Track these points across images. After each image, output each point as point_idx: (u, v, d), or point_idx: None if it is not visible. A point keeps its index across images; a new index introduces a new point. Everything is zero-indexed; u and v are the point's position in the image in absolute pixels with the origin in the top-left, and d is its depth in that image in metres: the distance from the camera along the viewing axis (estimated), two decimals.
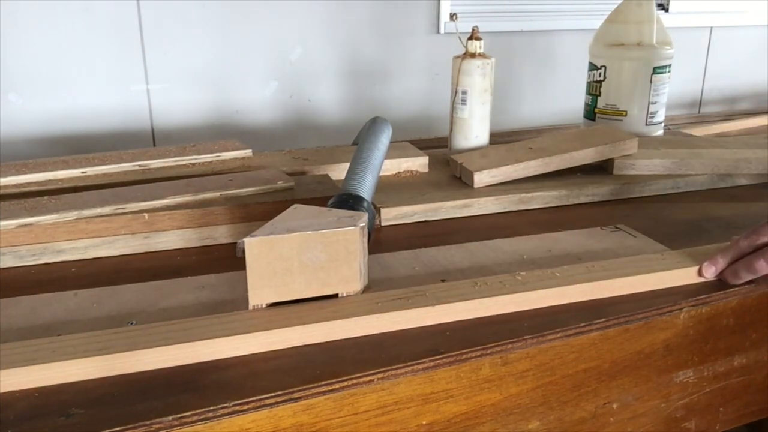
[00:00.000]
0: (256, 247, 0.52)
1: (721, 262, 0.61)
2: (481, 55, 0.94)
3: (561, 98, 1.70)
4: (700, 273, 0.61)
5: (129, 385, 0.45)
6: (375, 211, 0.74)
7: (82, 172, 0.84)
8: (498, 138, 1.06)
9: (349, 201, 0.65)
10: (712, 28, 1.86)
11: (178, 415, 0.42)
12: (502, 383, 0.51)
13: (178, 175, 0.84)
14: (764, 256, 0.58)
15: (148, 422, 0.41)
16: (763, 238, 0.59)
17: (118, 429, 0.41)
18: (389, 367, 0.47)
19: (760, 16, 1.88)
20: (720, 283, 0.61)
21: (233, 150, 0.93)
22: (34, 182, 0.82)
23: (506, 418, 0.52)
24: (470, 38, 0.94)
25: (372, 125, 0.84)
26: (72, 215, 0.68)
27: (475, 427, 0.51)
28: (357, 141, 0.96)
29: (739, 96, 1.95)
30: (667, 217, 0.80)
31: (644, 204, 0.86)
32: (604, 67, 1.11)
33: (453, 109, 0.97)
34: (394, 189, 0.85)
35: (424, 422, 0.49)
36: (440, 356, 0.49)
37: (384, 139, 0.81)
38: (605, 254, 0.66)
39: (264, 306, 0.54)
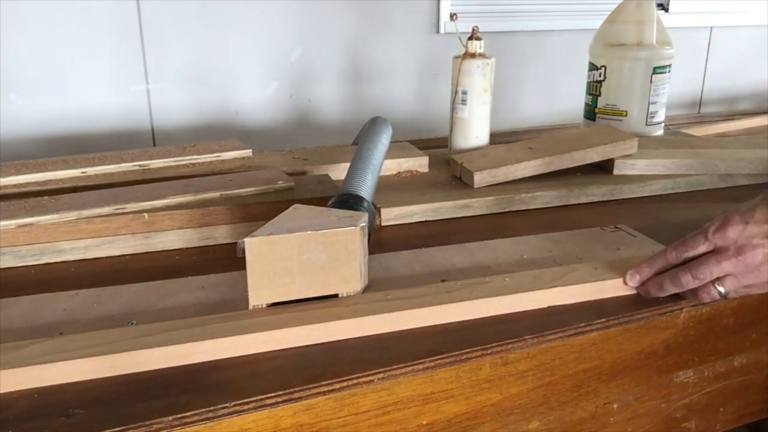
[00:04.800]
0: (256, 247, 0.52)
1: (647, 272, 0.57)
2: (481, 55, 0.94)
3: (561, 98, 1.70)
4: (624, 281, 0.58)
5: (129, 385, 0.45)
6: (375, 211, 0.74)
7: (82, 172, 0.84)
8: (498, 138, 1.06)
9: (349, 201, 0.65)
10: (712, 28, 1.86)
11: (178, 415, 0.42)
12: (502, 383, 0.51)
13: (178, 175, 0.84)
14: (690, 270, 0.55)
15: (148, 422, 0.41)
16: (690, 251, 0.56)
17: (118, 429, 0.41)
18: (389, 367, 0.47)
19: (760, 16, 1.88)
20: None
21: (233, 150, 0.93)
22: (34, 182, 0.82)
23: (506, 418, 0.52)
24: (470, 38, 0.94)
25: (372, 125, 0.84)
26: (72, 215, 0.68)
27: (475, 427, 0.51)
28: (357, 141, 0.96)
29: (739, 96, 1.95)
30: (667, 217, 0.80)
31: (644, 204, 0.86)
32: (604, 67, 1.11)
33: (453, 109, 0.97)
34: (394, 189, 0.85)
35: (424, 422, 0.49)
36: (440, 356, 0.49)
37: (384, 139, 0.81)
38: (605, 254, 0.66)
39: (264, 306, 0.53)
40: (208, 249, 0.71)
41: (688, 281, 0.55)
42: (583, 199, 0.86)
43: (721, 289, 0.54)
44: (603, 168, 0.93)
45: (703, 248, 0.55)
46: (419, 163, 0.95)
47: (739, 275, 0.54)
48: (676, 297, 0.57)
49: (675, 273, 0.55)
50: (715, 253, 0.54)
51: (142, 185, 0.78)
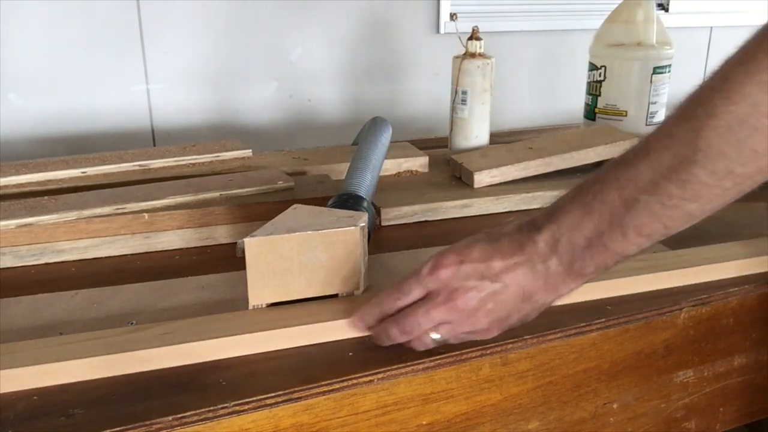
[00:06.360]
0: (256, 247, 0.52)
1: (369, 319, 0.50)
2: (481, 55, 0.94)
3: (561, 98, 1.70)
4: (351, 325, 0.51)
5: (129, 385, 0.45)
6: (375, 211, 0.74)
7: (82, 172, 0.84)
8: (498, 138, 1.06)
9: (349, 201, 0.65)
10: (712, 28, 1.86)
11: (178, 415, 0.42)
12: (502, 383, 0.51)
13: (178, 175, 0.84)
14: (398, 323, 0.48)
15: (148, 422, 0.41)
16: (403, 298, 0.48)
17: (118, 429, 0.41)
18: (389, 367, 0.47)
19: (760, 16, 1.88)
20: (720, 283, 0.61)
21: (233, 150, 0.93)
22: (34, 182, 0.82)
23: (506, 418, 0.52)
24: (470, 38, 0.94)
25: (372, 125, 0.84)
26: (72, 215, 0.68)
27: (475, 427, 0.51)
28: (357, 141, 0.96)
29: None
30: None
31: None
32: (604, 67, 1.11)
33: (453, 109, 0.97)
34: (394, 189, 0.85)
35: (424, 422, 0.49)
36: (440, 356, 0.49)
37: (384, 139, 0.81)
38: None
39: (264, 306, 0.53)
40: (208, 249, 0.71)
41: (396, 335, 0.48)
42: None
43: (436, 337, 0.48)
44: None
45: (416, 293, 0.48)
46: (419, 163, 0.95)
47: (454, 322, 0.47)
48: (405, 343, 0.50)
49: (386, 326, 0.49)
50: (425, 300, 0.47)
51: (142, 185, 0.78)
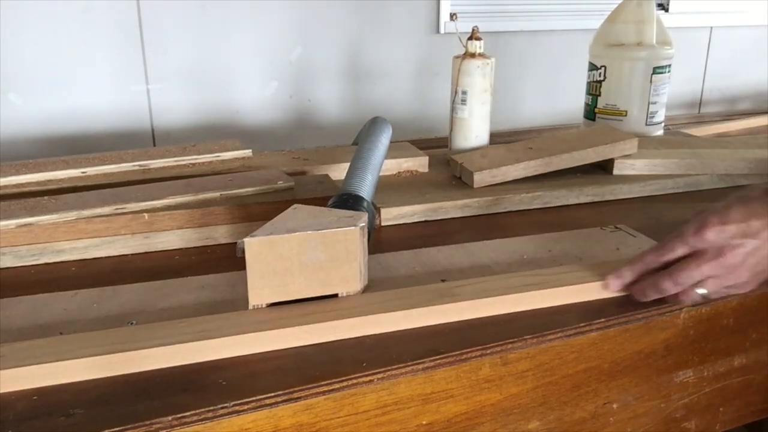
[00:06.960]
0: (256, 247, 0.52)
1: (627, 276, 0.57)
2: (481, 55, 0.94)
3: (561, 98, 1.70)
4: (605, 286, 0.57)
5: (129, 385, 0.45)
6: (375, 211, 0.74)
7: (82, 172, 0.84)
8: (498, 138, 1.06)
9: (349, 201, 0.65)
10: (712, 28, 1.86)
11: (178, 415, 0.42)
12: (502, 383, 0.51)
13: (178, 175, 0.84)
14: (671, 276, 0.54)
15: (148, 422, 0.41)
16: (669, 254, 0.55)
17: (118, 429, 0.41)
18: (389, 367, 0.47)
19: (760, 16, 1.88)
20: None
21: (233, 150, 0.93)
22: (34, 182, 0.82)
23: (506, 418, 0.52)
24: (470, 38, 0.94)
25: (372, 125, 0.84)
26: (72, 215, 0.68)
27: (475, 427, 0.51)
28: (357, 141, 0.96)
29: (739, 96, 1.95)
30: (667, 217, 0.80)
31: (644, 204, 0.86)
32: (604, 67, 1.11)
33: (453, 109, 0.97)
34: (394, 189, 0.85)
35: (424, 422, 0.49)
36: (440, 356, 0.49)
37: (384, 139, 0.81)
38: (605, 254, 0.66)
39: (264, 306, 0.53)
40: (208, 249, 0.71)
41: (669, 287, 0.54)
42: (583, 199, 0.86)
43: (703, 292, 0.55)
44: (603, 168, 0.93)
45: (681, 251, 0.54)
46: (419, 163, 0.95)
47: (720, 276, 0.54)
48: (659, 300, 0.56)
49: (656, 279, 0.55)
50: (694, 256, 0.54)
51: (142, 185, 0.78)
